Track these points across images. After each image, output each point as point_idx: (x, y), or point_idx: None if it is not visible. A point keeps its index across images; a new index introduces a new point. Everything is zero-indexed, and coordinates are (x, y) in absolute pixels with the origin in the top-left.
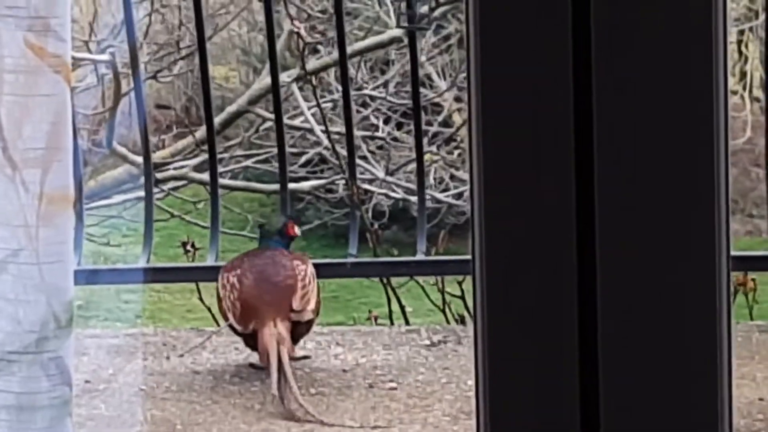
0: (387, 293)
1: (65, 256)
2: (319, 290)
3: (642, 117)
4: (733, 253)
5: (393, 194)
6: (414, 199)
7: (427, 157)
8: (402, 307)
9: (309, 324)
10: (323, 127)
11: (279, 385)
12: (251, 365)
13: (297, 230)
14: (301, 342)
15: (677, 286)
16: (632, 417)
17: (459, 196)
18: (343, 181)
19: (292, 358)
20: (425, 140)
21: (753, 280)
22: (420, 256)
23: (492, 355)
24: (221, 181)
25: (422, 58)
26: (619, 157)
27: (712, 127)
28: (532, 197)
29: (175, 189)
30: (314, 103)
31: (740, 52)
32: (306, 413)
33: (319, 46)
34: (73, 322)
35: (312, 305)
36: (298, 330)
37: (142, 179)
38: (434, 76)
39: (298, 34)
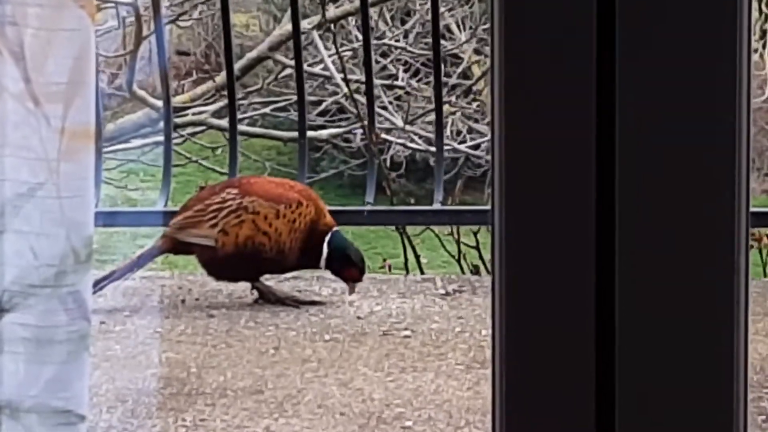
0: (403, 242)
1: (85, 191)
2: (251, 227)
3: (663, 73)
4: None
5: (411, 144)
6: (432, 149)
7: (444, 108)
8: (417, 257)
9: (215, 253)
10: (343, 75)
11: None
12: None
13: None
14: (316, 288)
15: (696, 242)
16: (647, 368)
17: (476, 147)
18: (361, 131)
19: (298, 300)
20: (443, 92)
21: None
22: (437, 206)
23: (509, 309)
24: (239, 127)
25: (442, 9)
26: (641, 112)
27: (735, 84)
28: (553, 149)
29: (193, 134)
30: (334, 51)
31: (761, 11)
32: None
33: None
34: (92, 257)
35: (206, 231)
36: (198, 255)
37: (161, 123)
38: (453, 28)
39: None
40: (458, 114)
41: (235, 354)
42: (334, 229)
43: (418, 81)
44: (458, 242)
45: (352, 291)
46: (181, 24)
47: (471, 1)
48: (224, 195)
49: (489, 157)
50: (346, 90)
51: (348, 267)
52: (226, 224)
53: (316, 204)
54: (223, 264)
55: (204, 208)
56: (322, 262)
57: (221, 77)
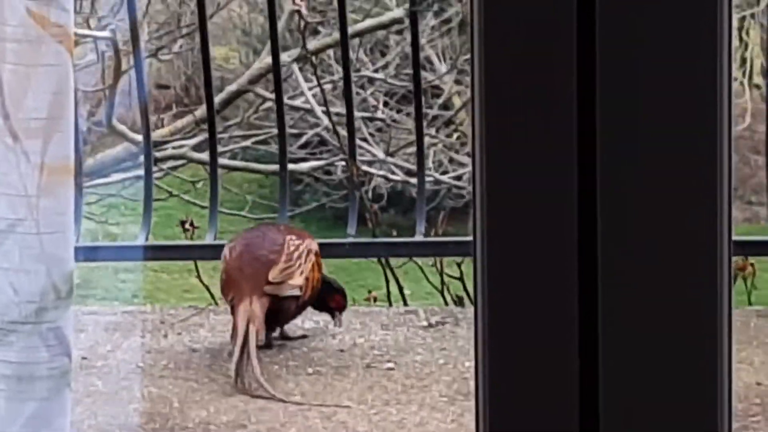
0: (385, 274)
1: (65, 227)
2: (316, 269)
3: (645, 103)
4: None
5: (392, 176)
6: (413, 181)
7: (425, 139)
8: (400, 289)
9: (297, 302)
10: (324, 108)
11: (239, 364)
12: None
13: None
14: (299, 321)
15: (679, 270)
16: (631, 392)
17: (458, 178)
18: (342, 163)
19: (286, 337)
20: (424, 123)
21: (752, 264)
22: (419, 237)
23: (492, 339)
24: (220, 161)
25: (422, 41)
26: (623, 139)
27: (716, 113)
28: (535, 180)
29: (173, 168)
30: (314, 83)
31: (741, 39)
32: (265, 391)
33: (320, 27)
34: (73, 293)
35: (297, 281)
36: (284, 308)
37: (142, 158)
38: (434, 59)
39: (299, 12)
40: (439, 145)
41: (219, 388)
42: None
43: (398, 112)
44: (441, 273)
45: (338, 323)
46: (161, 57)
47: (451, 33)
48: (290, 241)
49: (471, 188)
50: (326, 122)
51: (333, 295)
52: (306, 269)
53: None
54: (299, 311)
55: (289, 258)
56: None
57: (201, 111)
